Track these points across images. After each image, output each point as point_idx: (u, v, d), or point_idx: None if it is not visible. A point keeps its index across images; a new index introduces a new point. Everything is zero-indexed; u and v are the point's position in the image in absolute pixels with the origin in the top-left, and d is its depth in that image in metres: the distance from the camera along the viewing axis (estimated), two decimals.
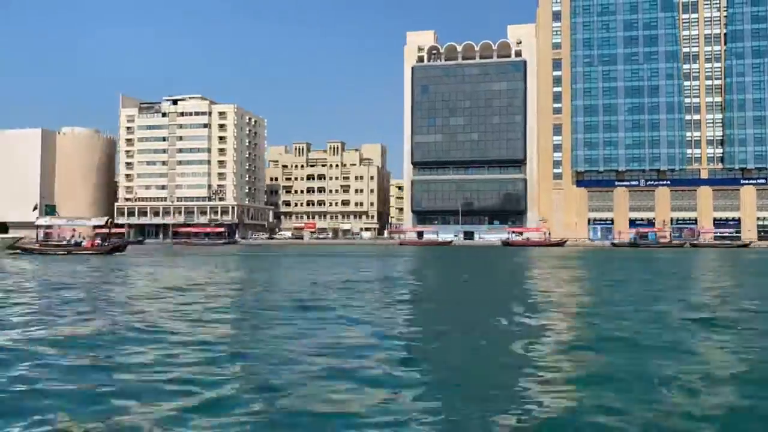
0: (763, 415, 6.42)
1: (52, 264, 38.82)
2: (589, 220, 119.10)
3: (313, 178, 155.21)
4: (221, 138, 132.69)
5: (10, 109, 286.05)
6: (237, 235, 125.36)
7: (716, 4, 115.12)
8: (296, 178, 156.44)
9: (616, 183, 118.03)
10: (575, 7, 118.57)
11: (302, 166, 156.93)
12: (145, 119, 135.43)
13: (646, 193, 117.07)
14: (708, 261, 48.99)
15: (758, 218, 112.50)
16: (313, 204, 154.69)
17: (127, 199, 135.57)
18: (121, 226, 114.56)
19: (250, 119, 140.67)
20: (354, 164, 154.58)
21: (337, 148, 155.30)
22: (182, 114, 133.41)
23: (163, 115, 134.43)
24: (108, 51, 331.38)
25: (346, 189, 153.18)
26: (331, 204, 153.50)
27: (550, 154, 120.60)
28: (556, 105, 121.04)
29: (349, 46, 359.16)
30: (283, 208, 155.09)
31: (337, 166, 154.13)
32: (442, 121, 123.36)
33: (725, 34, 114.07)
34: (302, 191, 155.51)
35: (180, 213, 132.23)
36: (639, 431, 5.78)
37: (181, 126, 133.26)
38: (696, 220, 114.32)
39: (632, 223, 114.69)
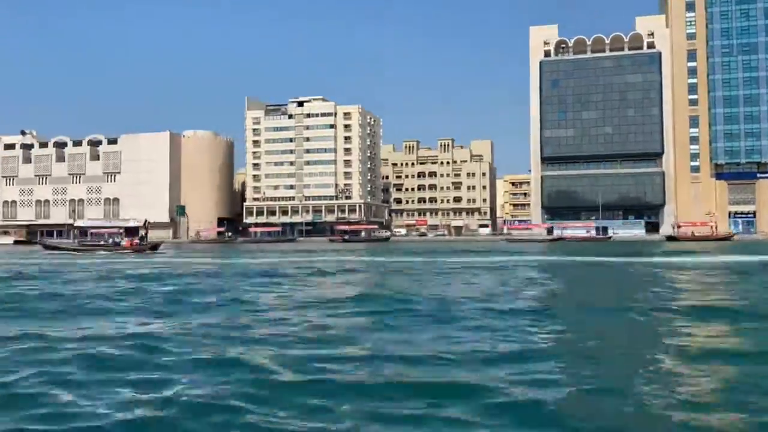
0: None
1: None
2: (729, 213, 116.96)
3: (424, 176, 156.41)
4: (346, 138, 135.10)
5: (132, 114, 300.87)
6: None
7: None
8: (406, 176, 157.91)
9: (758, 175, 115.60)
10: None
11: (412, 163, 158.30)
12: (272, 121, 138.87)
13: None
14: None
15: None
16: (424, 201, 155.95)
17: (255, 199, 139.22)
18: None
19: (369, 119, 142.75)
20: (465, 161, 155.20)
21: (448, 145, 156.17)
22: (308, 115, 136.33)
23: (290, 116, 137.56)
24: (214, 53, 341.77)
25: (457, 186, 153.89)
26: (442, 201, 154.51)
27: (686, 146, 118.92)
28: (691, 96, 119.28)
29: (455, 44, 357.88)
30: (394, 206, 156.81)
31: (448, 163, 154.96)
32: (573, 115, 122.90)
33: None
34: (413, 189, 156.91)
35: (308, 212, 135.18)
36: None
37: (307, 127, 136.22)
38: None
39: None
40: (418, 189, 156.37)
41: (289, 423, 6.34)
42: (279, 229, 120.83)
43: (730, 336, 11.91)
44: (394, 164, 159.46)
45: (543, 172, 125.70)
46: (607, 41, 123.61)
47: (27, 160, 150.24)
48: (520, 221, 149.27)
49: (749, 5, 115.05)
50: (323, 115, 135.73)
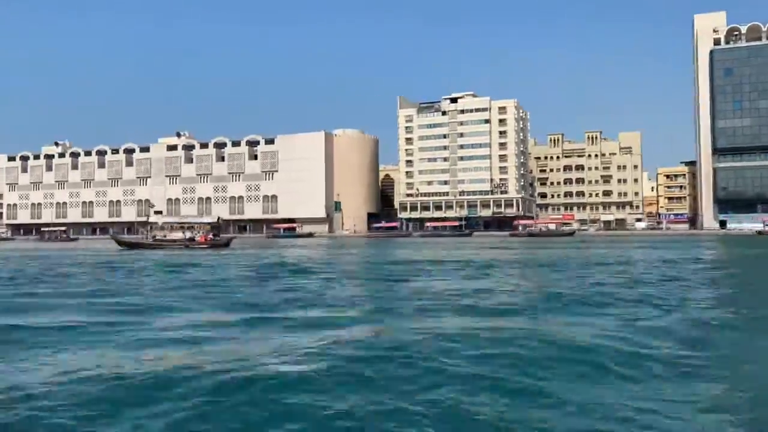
0: None
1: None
2: None
3: (571, 169, 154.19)
4: (501, 132, 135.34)
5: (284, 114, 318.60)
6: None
7: None
8: (551, 170, 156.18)
9: None
10: None
11: (558, 157, 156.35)
12: (425, 118, 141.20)
13: None
14: None
15: None
16: (571, 195, 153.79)
17: (408, 195, 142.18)
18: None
19: (520, 113, 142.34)
20: (614, 153, 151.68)
21: (596, 137, 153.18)
22: (462, 111, 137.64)
23: (443, 113, 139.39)
24: (363, 56, 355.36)
25: (606, 179, 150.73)
26: (590, 195, 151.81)
27: None
28: None
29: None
30: (539, 200, 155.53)
31: (596, 155, 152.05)
32: (750, 104, 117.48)
33: None
34: (558, 183, 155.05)
35: (462, 207, 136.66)
36: None
37: (461, 123, 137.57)
38: None
39: None
40: (565, 183, 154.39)
41: None
42: (456, 223, 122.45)
43: None
44: (537, 158, 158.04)
45: (716, 164, 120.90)
46: None
47: (189, 160, 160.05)
48: (675, 215, 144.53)
49: None
50: (477, 110, 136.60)
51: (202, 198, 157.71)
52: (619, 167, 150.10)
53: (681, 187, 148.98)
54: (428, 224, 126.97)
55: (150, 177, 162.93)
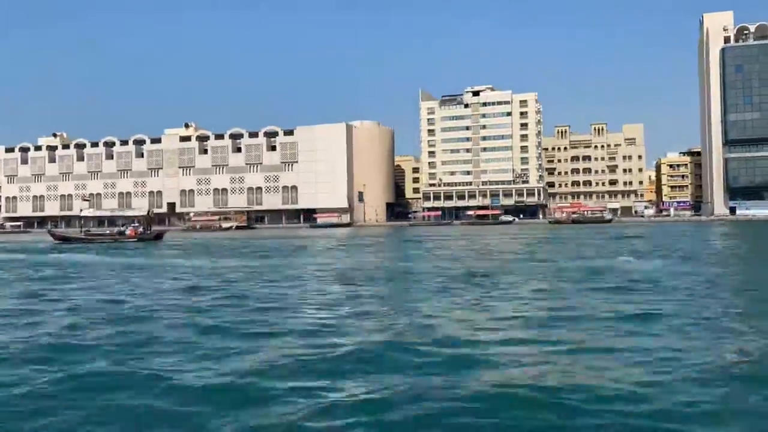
0: None
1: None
2: None
3: (578, 160, 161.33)
4: (522, 125, 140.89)
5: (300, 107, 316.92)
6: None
7: None
8: (558, 160, 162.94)
9: None
10: None
11: (565, 148, 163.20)
12: (447, 111, 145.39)
13: None
14: None
15: None
16: (578, 185, 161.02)
17: (431, 185, 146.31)
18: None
19: (537, 105, 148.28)
20: (618, 144, 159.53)
21: (602, 129, 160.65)
22: (484, 104, 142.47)
23: (465, 106, 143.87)
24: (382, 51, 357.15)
25: (612, 169, 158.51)
26: (597, 184, 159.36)
27: None
28: None
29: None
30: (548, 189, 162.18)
31: (602, 146, 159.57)
32: (759, 99, 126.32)
33: None
34: (566, 172, 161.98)
35: (485, 196, 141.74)
36: None
37: (484, 115, 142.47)
38: None
39: None
40: (572, 173, 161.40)
41: None
42: (499, 212, 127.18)
43: None
44: (545, 149, 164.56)
45: (727, 155, 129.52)
46: None
47: (203, 151, 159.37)
48: (679, 203, 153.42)
49: None
50: (499, 103, 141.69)
51: (218, 189, 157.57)
52: (624, 157, 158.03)
53: (683, 176, 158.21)
54: (469, 212, 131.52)
55: (161, 168, 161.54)
